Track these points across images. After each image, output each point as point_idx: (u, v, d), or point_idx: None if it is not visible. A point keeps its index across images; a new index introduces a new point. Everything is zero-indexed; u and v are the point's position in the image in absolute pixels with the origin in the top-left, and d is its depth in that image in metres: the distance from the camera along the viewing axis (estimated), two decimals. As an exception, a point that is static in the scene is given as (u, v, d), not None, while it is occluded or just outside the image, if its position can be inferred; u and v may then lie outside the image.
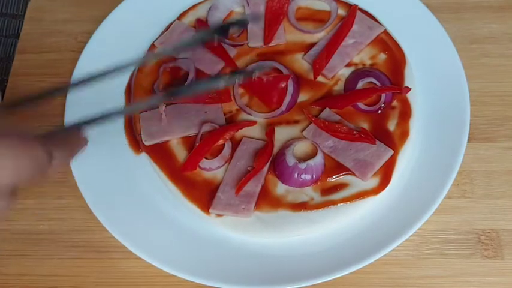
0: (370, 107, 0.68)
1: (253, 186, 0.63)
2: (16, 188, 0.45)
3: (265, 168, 0.64)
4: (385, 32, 0.72)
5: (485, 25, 0.76)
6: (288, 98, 0.69)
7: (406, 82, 0.69)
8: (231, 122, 0.69)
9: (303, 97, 0.70)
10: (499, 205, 0.65)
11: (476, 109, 0.69)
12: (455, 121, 0.67)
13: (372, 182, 0.64)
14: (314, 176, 0.63)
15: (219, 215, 0.63)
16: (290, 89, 0.69)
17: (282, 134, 0.67)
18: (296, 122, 0.68)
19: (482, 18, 0.77)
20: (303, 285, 0.59)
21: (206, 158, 0.66)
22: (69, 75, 0.74)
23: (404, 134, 0.66)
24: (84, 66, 0.74)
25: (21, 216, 0.69)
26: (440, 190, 0.62)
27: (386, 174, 0.64)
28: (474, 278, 0.62)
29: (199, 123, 0.68)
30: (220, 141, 0.66)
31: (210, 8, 0.76)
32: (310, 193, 0.63)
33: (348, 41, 0.72)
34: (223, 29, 0.61)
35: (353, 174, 0.64)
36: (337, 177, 0.64)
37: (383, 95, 0.67)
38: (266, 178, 0.64)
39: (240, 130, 0.67)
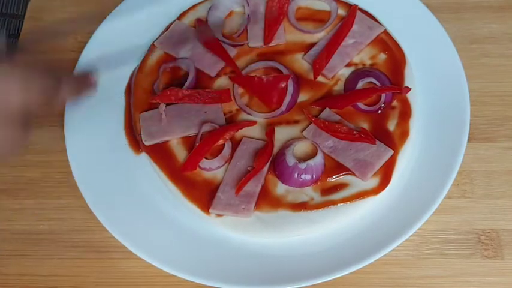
0: (370, 107, 0.68)
1: (253, 186, 0.63)
2: (28, 119, 0.45)
3: (265, 168, 0.64)
4: (385, 32, 0.72)
5: (485, 25, 0.76)
6: (288, 98, 0.69)
7: (406, 82, 0.69)
8: (231, 122, 0.69)
9: (303, 97, 0.70)
10: (499, 205, 0.66)
11: (476, 109, 0.69)
12: (455, 121, 0.67)
13: (372, 182, 0.63)
14: (314, 176, 0.63)
15: (219, 215, 0.63)
16: (290, 89, 0.69)
17: (282, 134, 0.67)
18: (296, 122, 0.68)
19: (482, 18, 0.77)
20: (303, 285, 0.59)
21: (206, 158, 0.65)
22: (69, 75, 0.75)
23: (404, 134, 0.66)
24: (84, 66, 0.74)
25: (21, 216, 0.69)
26: (440, 190, 0.62)
27: (386, 174, 0.64)
28: (474, 278, 0.62)
29: (199, 123, 0.67)
30: (220, 141, 0.66)
31: (210, 8, 0.76)
32: (310, 193, 0.63)
33: (348, 41, 0.72)
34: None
35: (353, 174, 0.64)
36: (337, 177, 0.64)
37: (383, 95, 0.67)
38: (266, 178, 0.64)
39: (240, 130, 0.67)
